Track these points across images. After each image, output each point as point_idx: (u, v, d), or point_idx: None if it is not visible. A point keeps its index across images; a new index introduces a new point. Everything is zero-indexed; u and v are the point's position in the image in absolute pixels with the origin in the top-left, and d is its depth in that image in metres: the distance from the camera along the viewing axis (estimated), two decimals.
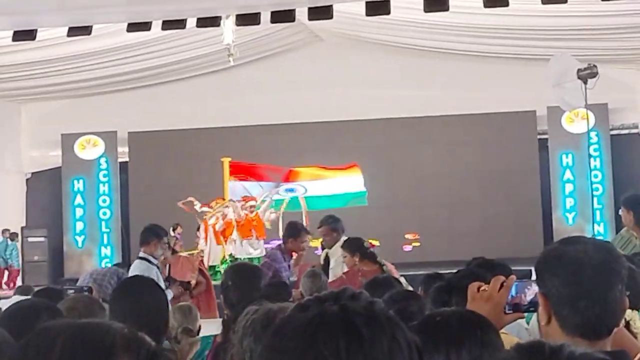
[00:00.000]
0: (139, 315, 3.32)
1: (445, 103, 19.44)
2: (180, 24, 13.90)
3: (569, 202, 19.33)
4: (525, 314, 2.83)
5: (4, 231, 19.91)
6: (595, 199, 17.58)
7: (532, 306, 2.63)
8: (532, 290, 2.65)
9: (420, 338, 2.16)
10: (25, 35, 13.59)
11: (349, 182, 18.54)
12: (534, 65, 16.91)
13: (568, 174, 19.31)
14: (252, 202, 17.87)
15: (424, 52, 19.22)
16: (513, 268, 4.87)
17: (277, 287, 6.08)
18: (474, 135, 19.97)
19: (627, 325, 3.55)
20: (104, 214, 20.95)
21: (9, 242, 19.88)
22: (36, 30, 13.60)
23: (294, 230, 8.83)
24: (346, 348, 1.31)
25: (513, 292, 2.71)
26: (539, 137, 19.90)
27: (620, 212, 7.13)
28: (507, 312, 2.69)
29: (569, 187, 19.33)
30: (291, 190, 18.83)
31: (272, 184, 18.84)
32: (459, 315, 2.43)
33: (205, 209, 18.00)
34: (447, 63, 19.33)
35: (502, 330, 2.82)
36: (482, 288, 2.74)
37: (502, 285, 2.69)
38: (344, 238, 8.38)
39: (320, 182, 19.25)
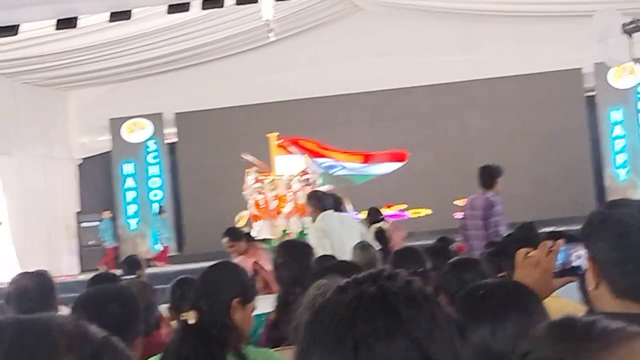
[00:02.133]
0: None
1: (489, 66, 19.25)
2: (218, 2, 13.98)
3: (620, 158, 19.13)
4: (575, 278, 2.81)
5: (103, 212, 20.33)
6: None
7: (581, 270, 2.61)
8: (580, 254, 2.63)
9: (464, 311, 2.17)
10: (67, 23, 13.75)
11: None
12: (578, 22, 16.67)
13: (618, 130, 19.10)
14: (309, 176, 17.83)
15: (464, 15, 19.06)
16: (567, 228, 4.85)
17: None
18: (520, 96, 19.80)
19: None
20: (155, 195, 21.12)
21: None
22: (77, 18, 13.74)
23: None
24: (385, 328, 1.32)
25: (561, 256, 2.70)
26: (586, 94, 19.67)
27: None
28: (556, 276, 2.68)
29: (619, 144, 19.12)
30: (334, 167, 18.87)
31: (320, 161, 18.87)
32: (502, 286, 2.42)
33: (258, 184, 18.04)
34: (489, 25, 19.14)
35: (554, 294, 2.82)
36: (529, 254, 2.73)
37: (550, 251, 2.68)
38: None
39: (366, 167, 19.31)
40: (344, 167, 18.18)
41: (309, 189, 17.57)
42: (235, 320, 3.40)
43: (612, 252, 2.32)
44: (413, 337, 1.33)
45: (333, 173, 17.83)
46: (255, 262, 8.40)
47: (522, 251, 2.77)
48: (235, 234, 9.89)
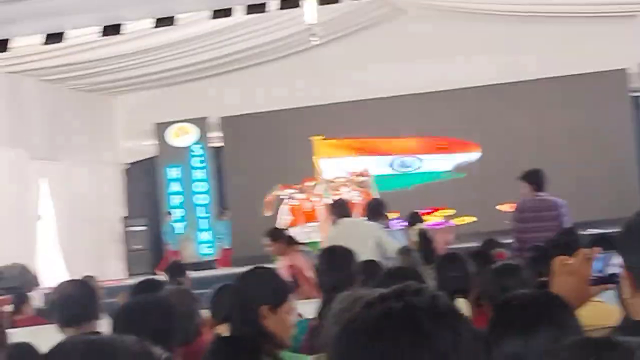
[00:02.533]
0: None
1: (533, 67, 19.15)
2: (261, 8, 14.01)
3: None
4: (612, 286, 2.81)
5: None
6: None
7: (618, 277, 2.61)
8: (617, 262, 2.63)
9: (498, 322, 2.18)
10: (112, 30, 13.87)
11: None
12: (621, 22, 16.59)
13: None
14: (363, 178, 17.88)
15: (508, 17, 18.96)
16: (613, 230, 4.82)
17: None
18: (565, 98, 19.66)
19: None
20: (201, 199, 21.23)
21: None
22: (121, 24, 13.85)
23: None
24: (411, 344, 1.35)
25: (599, 264, 2.70)
26: (631, 94, 19.47)
27: None
28: (593, 284, 2.68)
29: None
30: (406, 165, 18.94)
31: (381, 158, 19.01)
32: (536, 297, 2.43)
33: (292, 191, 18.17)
34: (533, 26, 19.01)
35: (595, 298, 2.82)
36: (566, 262, 2.73)
37: (586, 258, 2.69)
38: None
39: (439, 156, 19.43)
40: (420, 160, 18.11)
41: (362, 192, 17.65)
42: (268, 326, 3.42)
43: None
44: (439, 352, 1.35)
45: (408, 171, 17.88)
46: (291, 265, 8.44)
47: (558, 259, 2.78)
48: (275, 234, 9.98)
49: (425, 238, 11.03)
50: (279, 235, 9.96)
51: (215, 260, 20.34)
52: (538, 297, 2.44)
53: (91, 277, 10.41)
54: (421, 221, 12.46)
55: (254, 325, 3.40)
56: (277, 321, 3.44)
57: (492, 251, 8.29)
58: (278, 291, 3.58)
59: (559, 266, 2.73)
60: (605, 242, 4.03)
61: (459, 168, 20.24)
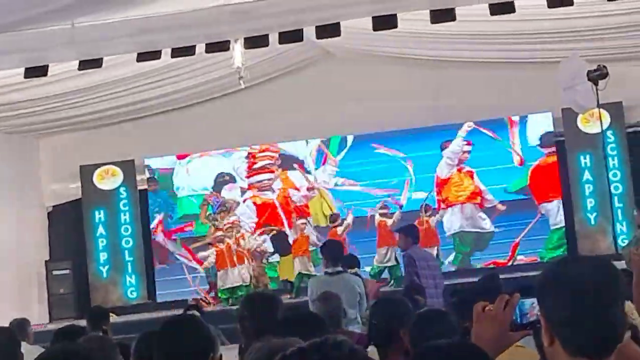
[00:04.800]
0: None
1: (458, 111, 19.39)
2: (189, 50, 14.01)
3: (590, 202, 19.22)
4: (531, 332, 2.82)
5: None
6: (615, 198, 17.55)
7: (539, 324, 2.61)
8: (536, 309, 2.64)
9: None
10: (37, 71, 13.74)
11: None
12: (546, 68, 16.88)
13: (587, 175, 19.22)
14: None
15: (432, 62, 19.22)
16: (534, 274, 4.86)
17: None
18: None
19: None
20: (127, 242, 21.00)
21: None
22: (47, 65, 13.73)
23: None
24: None
25: (519, 310, 2.71)
26: (555, 139, 19.81)
27: (635, 213, 7.13)
28: (513, 330, 2.69)
29: (588, 188, 19.23)
30: None
31: None
32: (451, 348, 2.41)
33: None
34: (457, 72, 19.29)
35: (518, 343, 2.82)
36: (487, 308, 2.74)
37: (506, 304, 2.69)
38: None
39: None
40: None
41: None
42: None
43: (565, 310, 2.32)
44: None
45: None
46: None
47: (479, 305, 2.78)
48: None
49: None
50: None
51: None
52: (455, 348, 2.42)
53: (25, 320, 10.16)
54: (353, 266, 12.37)
55: None
56: None
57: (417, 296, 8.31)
58: (203, 342, 3.53)
59: (479, 312, 2.73)
60: (525, 288, 4.07)
61: None
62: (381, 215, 19.32)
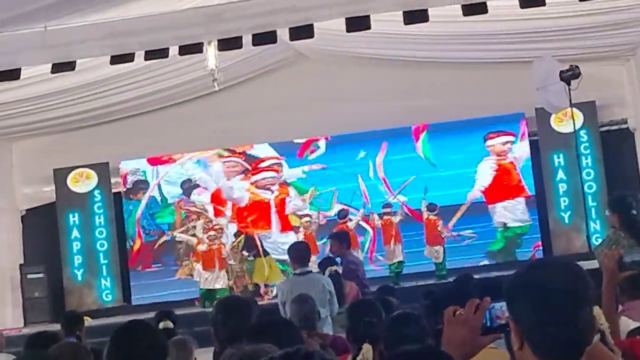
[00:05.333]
0: None
1: (432, 112, 19.43)
2: (163, 53, 13.97)
3: (564, 201, 19.33)
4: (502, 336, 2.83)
5: None
6: (589, 197, 17.67)
7: (509, 327, 2.62)
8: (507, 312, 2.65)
9: None
10: (9, 74, 13.65)
11: None
12: (519, 68, 16.96)
13: (561, 174, 19.32)
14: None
15: (407, 62, 19.27)
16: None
17: None
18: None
19: None
20: (101, 245, 20.89)
21: None
22: (20, 69, 13.66)
23: None
24: None
25: (489, 314, 2.72)
26: (529, 139, 19.89)
27: (607, 213, 7.16)
28: (483, 334, 2.70)
29: (562, 187, 19.34)
30: None
31: None
32: (421, 354, 2.43)
33: None
34: (431, 72, 19.36)
35: (490, 345, 2.83)
36: (457, 312, 2.75)
37: (477, 308, 2.70)
38: None
39: None
40: None
41: None
42: None
43: (534, 315, 2.34)
44: None
45: None
46: None
47: (449, 309, 2.79)
48: None
49: (338, 278, 10.88)
50: None
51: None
52: (424, 353, 2.44)
53: None
54: (333, 264, 12.25)
55: None
56: None
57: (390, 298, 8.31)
58: (156, 350, 3.53)
59: (449, 316, 2.74)
60: (496, 291, 4.08)
61: None
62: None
